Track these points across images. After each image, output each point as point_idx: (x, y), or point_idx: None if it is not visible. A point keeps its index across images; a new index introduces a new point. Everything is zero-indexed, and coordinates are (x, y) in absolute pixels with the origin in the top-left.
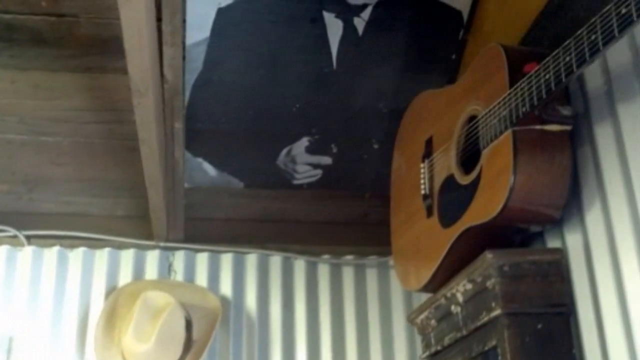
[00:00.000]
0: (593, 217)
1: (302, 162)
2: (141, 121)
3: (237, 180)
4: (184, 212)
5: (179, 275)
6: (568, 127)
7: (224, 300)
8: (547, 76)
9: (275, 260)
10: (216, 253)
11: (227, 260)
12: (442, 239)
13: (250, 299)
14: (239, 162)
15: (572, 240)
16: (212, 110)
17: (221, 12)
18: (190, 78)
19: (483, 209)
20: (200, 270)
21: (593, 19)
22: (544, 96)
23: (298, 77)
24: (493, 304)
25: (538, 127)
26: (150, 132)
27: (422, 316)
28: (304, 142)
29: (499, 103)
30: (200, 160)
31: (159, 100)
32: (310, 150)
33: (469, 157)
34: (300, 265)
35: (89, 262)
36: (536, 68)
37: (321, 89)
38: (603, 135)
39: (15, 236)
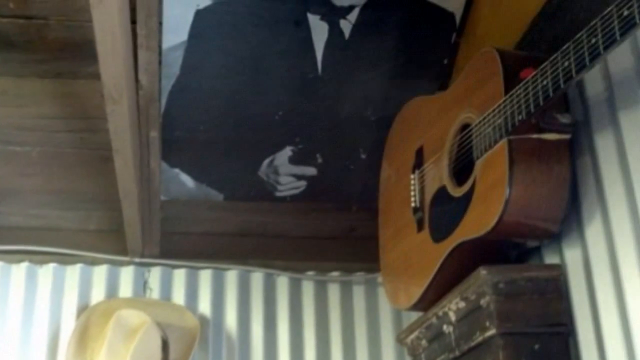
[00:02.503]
0: (593, 231)
1: (285, 173)
2: (115, 130)
3: (217, 192)
4: (160, 226)
5: (154, 293)
6: (567, 136)
7: (202, 319)
8: (545, 82)
9: (257, 277)
10: (194, 269)
11: (205, 276)
12: (433, 255)
13: (231, 318)
14: (219, 173)
15: (572, 256)
16: (190, 118)
17: (199, 14)
18: (167, 84)
19: (477, 223)
20: (177, 288)
21: (593, 22)
22: (541, 103)
23: (281, 83)
24: (487, 324)
25: (535, 136)
26: (124, 141)
27: (412, 336)
28: (287, 151)
29: (494, 110)
30: (177, 171)
31: (133, 107)
32: (293, 160)
33: (462, 168)
34: (283, 282)
35: (60, 278)
36: (533, 74)
37: (305, 96)
38: (604, 144)
39: None
